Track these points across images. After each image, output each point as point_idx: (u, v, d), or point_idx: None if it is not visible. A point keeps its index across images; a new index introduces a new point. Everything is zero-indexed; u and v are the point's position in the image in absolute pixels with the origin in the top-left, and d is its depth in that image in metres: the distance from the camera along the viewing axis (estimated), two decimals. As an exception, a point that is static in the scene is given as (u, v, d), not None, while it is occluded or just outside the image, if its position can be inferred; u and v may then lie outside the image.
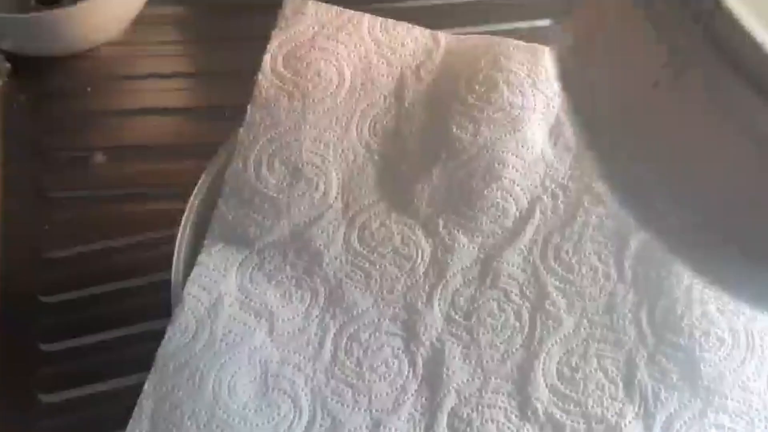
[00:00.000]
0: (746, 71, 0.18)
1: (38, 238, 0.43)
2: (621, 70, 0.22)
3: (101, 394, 0.39)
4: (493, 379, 0.32)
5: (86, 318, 0.41)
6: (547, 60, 0.36)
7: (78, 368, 0.40)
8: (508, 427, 0.31)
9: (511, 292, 0.34)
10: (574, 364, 0.32)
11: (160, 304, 0.41)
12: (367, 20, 0.39)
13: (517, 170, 0.35)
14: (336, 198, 0.36)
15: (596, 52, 0.23)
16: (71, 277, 0.42)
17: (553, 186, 0.35)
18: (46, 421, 0.38)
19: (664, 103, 0.20)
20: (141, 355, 0.40)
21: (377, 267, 0.34)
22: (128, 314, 0.41)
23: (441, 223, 0.35)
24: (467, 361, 0.33)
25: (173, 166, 0.46)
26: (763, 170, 0.19)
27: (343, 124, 0.37)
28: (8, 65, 0.47)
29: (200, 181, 0.37)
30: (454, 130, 0.36)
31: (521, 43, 0.37)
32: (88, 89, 0.48)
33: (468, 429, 0.31)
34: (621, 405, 0.32)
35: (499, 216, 0.35)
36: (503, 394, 0.32)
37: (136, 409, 0.32)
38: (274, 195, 0.35)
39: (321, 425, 0.31)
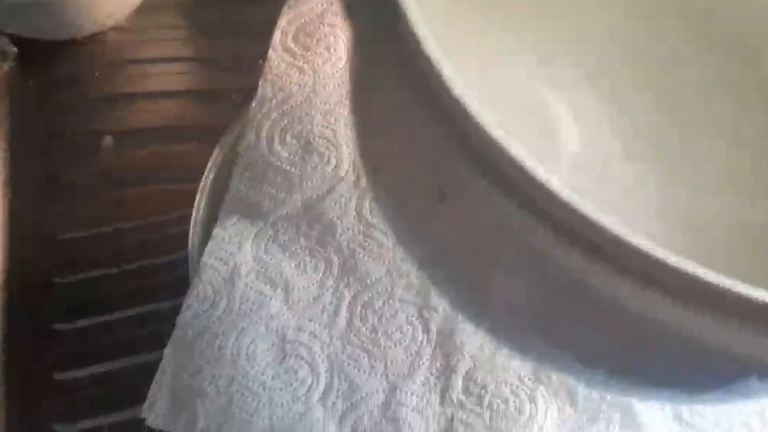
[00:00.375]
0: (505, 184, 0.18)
1: (50, 221, 0.43)
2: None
3: (117, 371, 0.39)
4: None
5: (100, 298, 0.41)
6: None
7: (92, 347, 0.40)
8: (523, 390, 0.32)
9: None
10: None
11: (174, 284, 0.42)
12: None
13: None
14: (348, 171, 0.36)
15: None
16: (85, 258, 0.43)
17: None
18: (60, 399, 0.39)
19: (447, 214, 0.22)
20: (155, 334, 0.40)
21: (389, 237, 0.35)
22: (141, 293, 0.41)
23: None
24: None
25: (182, 149, 0.46)
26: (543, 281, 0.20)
27: None
28: (15, 50, 0.47)
29: (213, 157, 0.38)
30: None
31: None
32: (96, 74, 0.49)
33: (483, 392, 0.32)
34: None
35: None
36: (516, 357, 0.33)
37: (156, 376, 0.32)
38: (287, 168, 0.36)
39: (338, 389, 0.32)
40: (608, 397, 0.32)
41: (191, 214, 0.42)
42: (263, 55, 0.39)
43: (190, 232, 0.36)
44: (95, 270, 0.42)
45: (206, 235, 0.36)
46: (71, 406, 0.38)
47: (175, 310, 0.41)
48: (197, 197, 0.37)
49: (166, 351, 0.33)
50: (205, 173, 0.37)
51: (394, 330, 0.33)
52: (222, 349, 0.32)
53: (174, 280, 0.42)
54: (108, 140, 0.46)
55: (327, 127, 0.36)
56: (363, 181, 0.36)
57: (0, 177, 0.44)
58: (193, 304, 0.33)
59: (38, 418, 0.38)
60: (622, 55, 0.36)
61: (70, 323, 0.41)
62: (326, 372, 0.32)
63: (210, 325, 0.33)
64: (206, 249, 0.35)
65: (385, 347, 0.33)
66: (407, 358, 0.33)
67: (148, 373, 0.39)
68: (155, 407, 0.32)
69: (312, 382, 0.32)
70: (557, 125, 0.34)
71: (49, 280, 0.42)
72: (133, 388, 0.39)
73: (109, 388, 0.39)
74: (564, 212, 0.18)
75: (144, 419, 0.32)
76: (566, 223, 0.18)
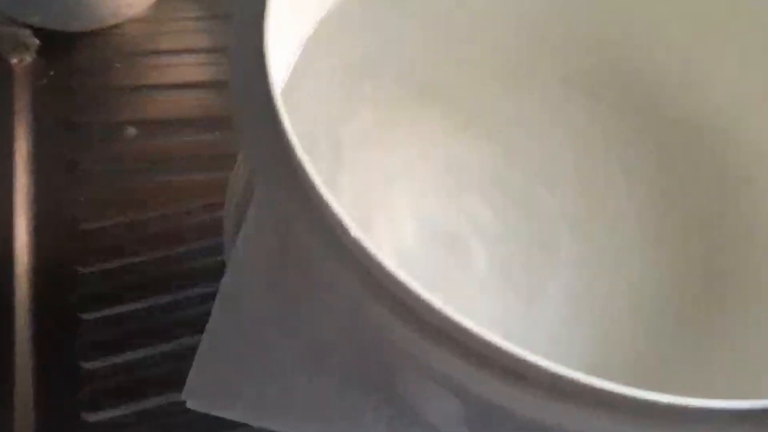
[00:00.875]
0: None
1: (73, 211, 0.43)
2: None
3: (145, 359, 0.39)
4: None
5: (123, 287, 0.41)
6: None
7: (119, 335, 0.40)
8: None
9: None
10: None
11: (200, 271, 0.42)
12: None
13: None
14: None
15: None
16: (108, 247, 0.42)
17: None
18: (89, 387, 0.38)
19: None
20: (182, 321, 0.40)
21: None
22: (165, 282, 0.41)
23: None
24: None
25: (204, 139, 0.46)
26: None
27: None
28: (37, 41, 0.47)
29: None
30: None
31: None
32: (117, 65, 0.49)
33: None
34: None
35: None
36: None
37: (196, 358, 0.32)
38: None
39: None
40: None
41: (215, 202, 0.42)
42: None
43: (225, 217, 0.36)
44: (119, 259, 0.42)
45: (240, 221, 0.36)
46: (99, 394, 0.38)
47: (202, 298, 0.41)
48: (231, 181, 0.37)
49: (207, 329, 0.32)
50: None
51: None
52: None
53: (200, 267, 0.42)
54: (130, 130, 0.46)
55: None
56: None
57: (22, 166, 0.44)
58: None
59: (66, 407, 0.38)
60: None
61: (96, 312, 0.40)
62: None
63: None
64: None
65: None
66: None
67: (176, 360, 0.39)
68: (196, 390, 0.31)
69: None
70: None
71: (73, 270, 0.41)
72: (162, 375, 0.39)
73: (137, 375, 0.39)
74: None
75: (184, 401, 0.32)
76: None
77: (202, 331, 0.39)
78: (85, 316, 0.40)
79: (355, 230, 0.20)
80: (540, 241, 0.36)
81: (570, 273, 0.35)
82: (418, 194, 0.36)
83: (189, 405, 0.31)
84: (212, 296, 0.40)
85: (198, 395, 0.30)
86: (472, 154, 0.37)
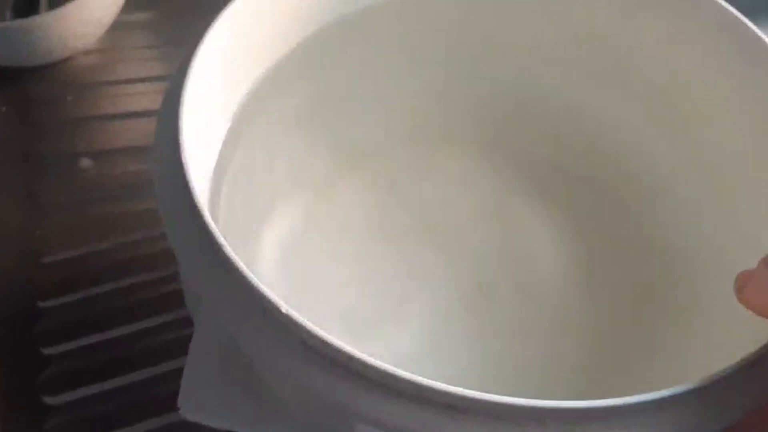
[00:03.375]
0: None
1: (32, 244, 0.43)
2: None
3: (109, 392, 0.39)
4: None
5: (86, 319, 0.41)
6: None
7: (82, 368, 0.40)
8: None
9: None
10: None
11: (161, 300, 0.42)
12: None
13: None
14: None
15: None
16: (68, 279, 0.42)
17: None
18: (53, 421, 0.38)
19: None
20: (147, 351, 0.40)
21: None
22: (129, 312, 0.41)
23: None
24: None
25: (160, 166, 0.46)
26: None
27: None
28: (-13, 78, 0.47)
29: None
30: None
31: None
32: (69, 97, 0.49)
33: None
34: None
35: None
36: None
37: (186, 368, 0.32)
38: None
39: None
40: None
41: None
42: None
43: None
44: (79, 291, 0.42)
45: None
46: (65, 429, 0.38)
47: (165, 326, 0.41)
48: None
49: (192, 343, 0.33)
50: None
51: None
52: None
53: (162, 295, 0.42)
54: (85, 161, 0.46)
55: None
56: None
57: (-22, 204, 0.44)
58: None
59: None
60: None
61: (58, 346, 0.40)
62: None
63: None
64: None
65: None
66: None
67: (142, 390, 0.39)
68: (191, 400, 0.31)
69: None
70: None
71: (33, 304, 0.41)
72: (128, 407, 0.39)
73: (103, 408, 0.39)
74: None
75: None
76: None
77: (165, 360, 0.40)
78: (47, 350, 0.40)
79: (285, 307, 0.22)
80: (476, 282, 0.37)
81: (506, 310, 0.37)
82: (356, 258, 0.38)
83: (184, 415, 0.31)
84: (175, 324, 0.41)
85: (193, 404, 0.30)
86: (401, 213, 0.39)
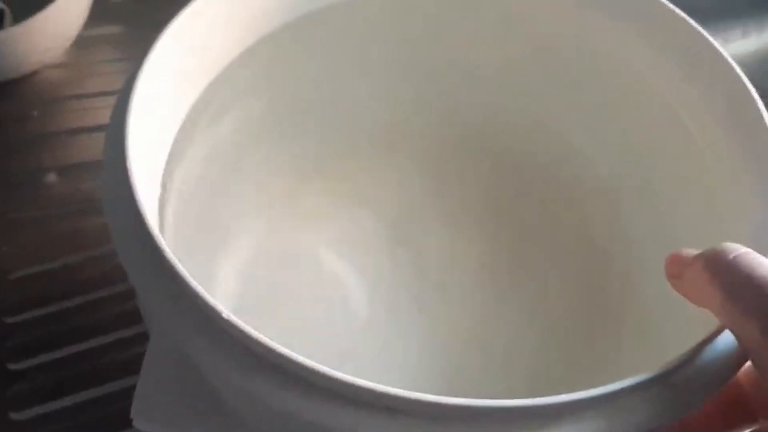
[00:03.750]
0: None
1: (-2, 261, 0.43)
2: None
3: (76, 405, 0.39)
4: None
5: (53, 334, 0.41)
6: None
7: (49, 383, 0.40)
8: None
9: None
10: None
11: (128, 313, 0.42)
12: None
13: None
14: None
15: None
16: (35, 295, 0.42)
17: None
18: (21, 437, 0.38)
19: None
20: (114, 365, 0.40)
21: None
22: (96, 326, 0.41)
23: None
24: None
25: (127, 179, 0.47)
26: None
27: None
28: (-48, 94, 0.47)
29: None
30: None
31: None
32: (34, 112, 0.49)
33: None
34: None
35: None
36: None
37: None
38: None
39: None
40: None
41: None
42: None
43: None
44: (47, 307, 0.42)
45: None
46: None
47: (134, 339, 0.41)
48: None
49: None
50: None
51: None
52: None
53: (131, 309, 0.42)
54: (51, 176, 0.46)
55: None
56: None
57: (-57, 220, 0.44)
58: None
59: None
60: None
61: (25, 362, 0.40)
62: None
63: None
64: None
65: None
66: None
67: (109, 403, 0.39)
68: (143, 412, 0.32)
69: None
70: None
71: (0, 321, 0.41)
72: (96, 420, 0.39)
73: (71, 424, 0.39)
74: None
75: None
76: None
77: (134, 374, 0.39)
78: (14, 366, 0.40)
79: (227, 313, 0.22)
80: (434, 283, 0.38)
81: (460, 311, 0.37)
82: (316, 269, 0.39)
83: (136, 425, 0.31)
84: (142, 338, 0.41)
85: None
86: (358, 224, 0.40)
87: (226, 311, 0.22)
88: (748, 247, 0.23)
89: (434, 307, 0.37)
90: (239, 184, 0.37)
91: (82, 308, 0.42)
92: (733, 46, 0.72)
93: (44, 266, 0.43)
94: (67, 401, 0.39)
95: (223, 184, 0.36)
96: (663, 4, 0.33)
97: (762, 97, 0.31)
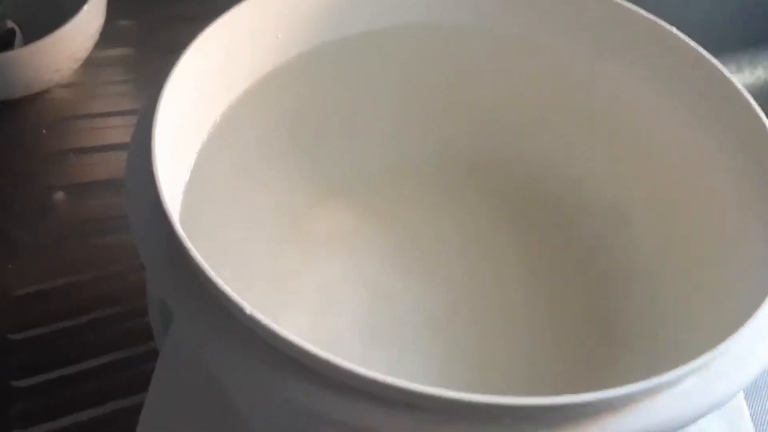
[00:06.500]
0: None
1: (4, 277, 0.43)
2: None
3: (83, 423, 0.39)
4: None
5: (58, 352, 0.41)
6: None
7: (53, 401, 0.40)
8: None
9: None
10: None
11: (134, 332, 0.42)
12: None
13: None
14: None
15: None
16: (40, 312, 0.42)
17: None
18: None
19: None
20: (119, 383, 0.40)
21: None
22: (101, 345, 0.41)
23: None
24: None
25: (134, 199, 0.47)
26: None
27: None
28: (-39, 112, 0.48)
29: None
30: None
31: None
32: (43, 131, 0.49)
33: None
34: None
35: None
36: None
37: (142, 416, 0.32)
38: None
39: None
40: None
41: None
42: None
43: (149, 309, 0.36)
44: (52, 324, 0.42)
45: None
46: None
47: (139, 358, 0.41)
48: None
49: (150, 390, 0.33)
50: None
51: None
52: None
53: (137, 328, 0.42)
54: (59, 195, 0.46)
55: None
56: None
57: (-49, 237, 0.44)
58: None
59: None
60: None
61: (30, 380, 0.40)
62: None
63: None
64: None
65: None
66: None
67: (115, 423, 0.39)
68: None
69: None
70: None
71: (4, 337, 0.41)
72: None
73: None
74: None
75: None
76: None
77: (138, 392, 0.40)
78: (19, 383, 0.40)
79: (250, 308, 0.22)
80: (441, 302, 0.39)
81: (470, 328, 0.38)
82: (330, 284, 0.39)
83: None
84: (146, 356, 0.41)
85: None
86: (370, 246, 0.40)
87: (249, 307, 0.22)
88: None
89: (446, 325, 0.37)
90: (252, 205, 0.38)
91: (87, 327, 0.42)
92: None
93: (49, 284, 0.43)
94: (69, 420, 0.39)
95: (236, 201, 0.36)
96: (680, 38, 0.34)
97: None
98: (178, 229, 0.24)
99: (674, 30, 0.34)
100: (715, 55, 0.35)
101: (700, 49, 0.34)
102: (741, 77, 0.72)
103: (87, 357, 0.41)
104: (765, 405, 0.41)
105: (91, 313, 0.42)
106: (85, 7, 0.48)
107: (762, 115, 0.31)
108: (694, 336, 0.30)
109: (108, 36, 0.52)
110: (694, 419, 0.24)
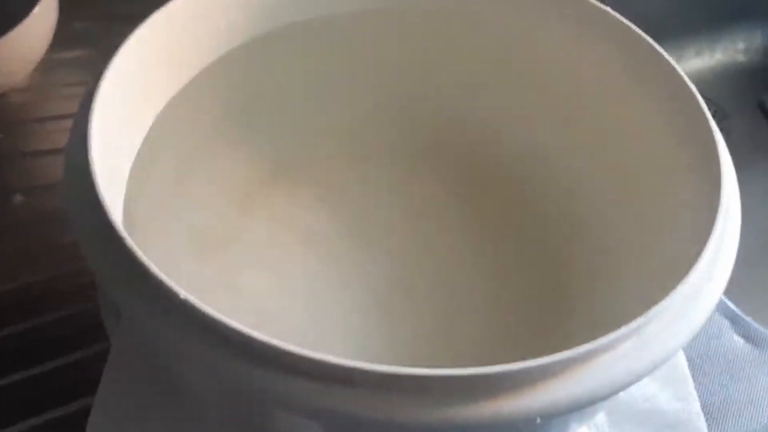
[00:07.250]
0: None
1: (-38, 282, 0.43)
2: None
3: (45, 425, 0.39)
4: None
5: (16, 353, 0.41)
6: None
7: (14, 403, 0.40)
8: None
9: None
10: None
11: (91, 331, 0.41)
12: None
13: None
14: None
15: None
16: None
17: None
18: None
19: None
20: (80, 383, 0.40)
21: None
22: (60, 344, 0.41)
23: None
24: None
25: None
26: None
27: None
28: None
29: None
30: None
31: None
32: (0, 135, 0.49)
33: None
34: None
35: None
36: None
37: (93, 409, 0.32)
38: None
39: None
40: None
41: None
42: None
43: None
44: (10, 326, 0.42)
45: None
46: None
47: (99, 356, 0.41)
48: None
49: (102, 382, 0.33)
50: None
51: None
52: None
53: (93, 327, 0.42)
54: (17, 197, 0.46)
55: None
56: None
57: None
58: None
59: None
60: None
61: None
62: None
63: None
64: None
65: None
66: None
67: (78, 423, 0.39)
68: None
69: None
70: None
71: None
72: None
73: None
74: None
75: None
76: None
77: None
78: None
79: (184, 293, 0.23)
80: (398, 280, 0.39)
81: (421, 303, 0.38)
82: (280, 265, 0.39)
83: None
84: (107, 355, 0.41)
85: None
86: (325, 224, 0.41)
87: (183, 292, 0.22)
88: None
89: (399, 300, 0.38)
90: (203, 186, 0.38)
91: (44, 327, 0.42)
92: (688, 64, 0.74)
93: (7, 285, 0.43)
94: (31, 422, 0.39)
95: (186, 185, 0.36)
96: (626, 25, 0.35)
97: (715, 111, 0.32)
98: (113, 220, 0.25)
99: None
100: (675, 39, 0.36)
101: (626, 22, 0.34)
102: (700, 60, 0.73)
103: (47, 358, 0.41)
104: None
105: (50, 314, 0.42)
106: (36, 9, 0.48)
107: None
108: (635, 298, 0.31)
109: (62, 38, 0.52)
110: (631, 382, 0.24)
